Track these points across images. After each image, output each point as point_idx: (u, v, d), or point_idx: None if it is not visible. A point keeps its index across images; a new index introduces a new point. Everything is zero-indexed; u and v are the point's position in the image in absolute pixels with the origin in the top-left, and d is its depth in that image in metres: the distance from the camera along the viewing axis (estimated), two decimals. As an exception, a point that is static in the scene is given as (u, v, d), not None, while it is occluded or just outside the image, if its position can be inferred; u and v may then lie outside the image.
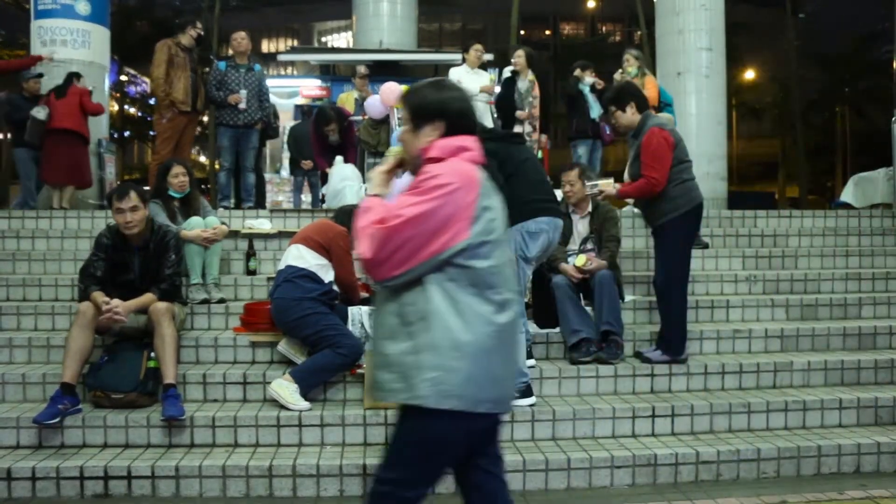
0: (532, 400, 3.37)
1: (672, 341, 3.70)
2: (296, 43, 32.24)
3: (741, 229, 5.64)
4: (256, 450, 3.15)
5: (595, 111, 6.34)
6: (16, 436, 3.15)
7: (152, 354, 3.36)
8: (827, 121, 25.22)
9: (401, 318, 1.68)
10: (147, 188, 4.57)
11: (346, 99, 7.31)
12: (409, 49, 10.70)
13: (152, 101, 10.09)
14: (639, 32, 20.27)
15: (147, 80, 20.57)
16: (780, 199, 23.39)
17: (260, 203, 6.43)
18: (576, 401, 3.49)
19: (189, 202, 4.26)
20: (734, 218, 5.89)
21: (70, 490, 2.92)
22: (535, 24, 32.56)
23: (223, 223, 4.28)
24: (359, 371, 3.44)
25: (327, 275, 3.55)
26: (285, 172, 8.90)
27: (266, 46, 33.18)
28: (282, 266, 3.61)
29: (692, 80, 8.12)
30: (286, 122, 9.42)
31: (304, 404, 3.27)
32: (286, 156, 8.49)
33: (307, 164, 6.75)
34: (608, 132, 6.46)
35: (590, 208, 4.10)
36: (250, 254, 4.56)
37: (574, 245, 4.08)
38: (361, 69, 7.26)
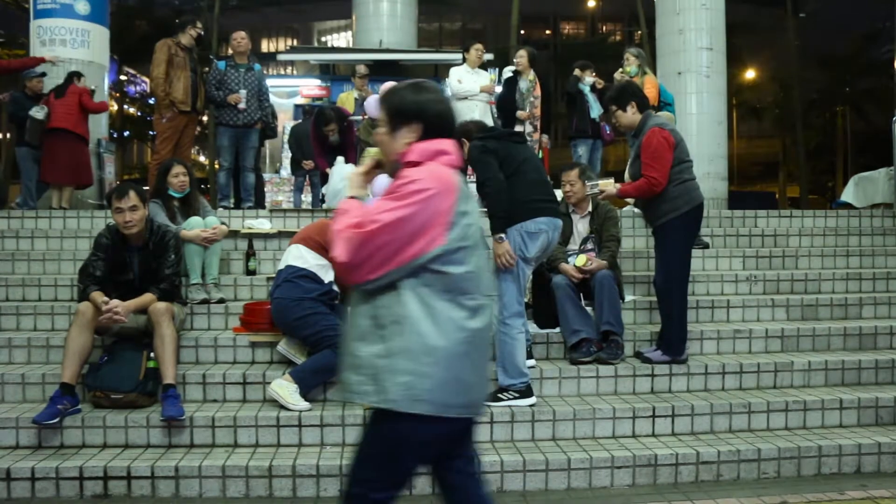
0: (532, 400, 3.36)
1: (672, 341, 3.69)
2: (295, 42, 32.26)
3: (742, 229, 5.64)
4: (256, 450, 3.14)
5: (595, 111, 6.33)
6: (15, 436, 3.15)
7: (152, 355, 3.35)
8: (827, 120, 25.21)
9: (374, 320, 1.69)
10: (146, 188, 4.57)
11: (346, 99, 7.31)
12: (409, 49, 10.70)
13: (152, 101, 10.08)
14: (639, 32, 20.26)
15: (147, 79, 20.61)
16: (780, 199, 23.39)
17: (259, 203, 6.43)
18: (576, 401, 3.49)
19: (189, 202, 4.26)
20: (735, 218, 5.88)
21: (69, 490, 2.92)
22: (535, 24, 32.56)
23: (223, 223, 4.28)
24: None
25: (327, 275, 3.54)
26: (285, 172, 8.90)
27: (266, 46, 33.18)
28: (282, 266, 3.60)
29: (692, 79, 8.11)
30: (286, 121, 9.41)
31: (304, 405, 3.26)
32: (286, 155, 8.49)
33: (308, 164, 6.74)
34: (608, 132, 6.45)
35: (590, 208, 4.09)
36: (250, 254, 4.55)
37: (574, 245, 4.08)
38: (361, 69, 7.25)
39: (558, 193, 3.99)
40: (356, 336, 1.71)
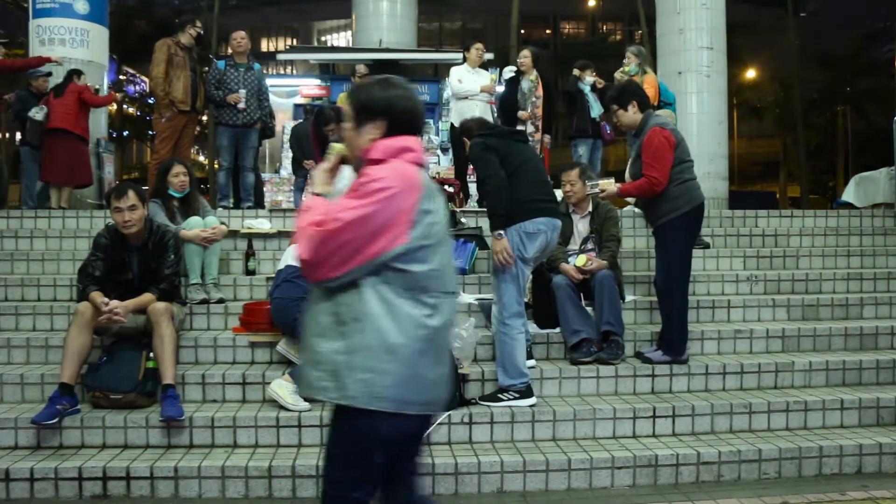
0: (532, 400, 3.36)
1: (673, 341, 3.68)
2: (295, 42, 32.25)
3: (742, 229, 5.63)
4: (256, 450, 3.13)
5: (595, 110, 6.32)
6: (14, 436, 3.14)
7: (151, 355, 3.34)
8: (828, 120, 25.19)
9: (335, 317, 1.69)
10: (146, 188, 4.56)
11: (346, 98, 7.29)
12: (408, 48, 10.69)
13: (151, 101, 10.08)
14: (639, 31, 20.24)
15: (146, 79, 20.57)
16: (781, 199, 23.38)
17: (258, 203, 6.42)
18: (576, 401, 3.48)
19: (188, 202, 4.25)
20: (735, 217, 5.88)
21: (68, 491, 2.91)
22: (535, 24, 32.55)
23: (222, 223, 4.27)
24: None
25: (327, 275, 3.53)
26: (285, 172, 8.89)
27: (265, 45, 33.17)
28: (281, 266, 3.59)
29: (693, 79, 8.11)
30: (285, 121, 9.40)
31: (304, 405, 3.26)
32: (286, 155, 8.48)
33: (309, 163, 6.73)
34: (609, 131, 6.44)
35: (590, 208, 4.08)
36: (249, 254, 4.55)
37: (574, 245, 4.07)
38: (361, 68, 7.25)
39: (558, 193, 3.99)
40: (317, 332, 1.71)
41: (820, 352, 4.05)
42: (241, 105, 5.93)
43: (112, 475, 2.92)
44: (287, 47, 25.88)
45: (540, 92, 6.22)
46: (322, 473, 1.80)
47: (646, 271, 4.70)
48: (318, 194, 1.79)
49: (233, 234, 4.71)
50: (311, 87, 10.75)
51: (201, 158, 25.76)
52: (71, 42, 7.17)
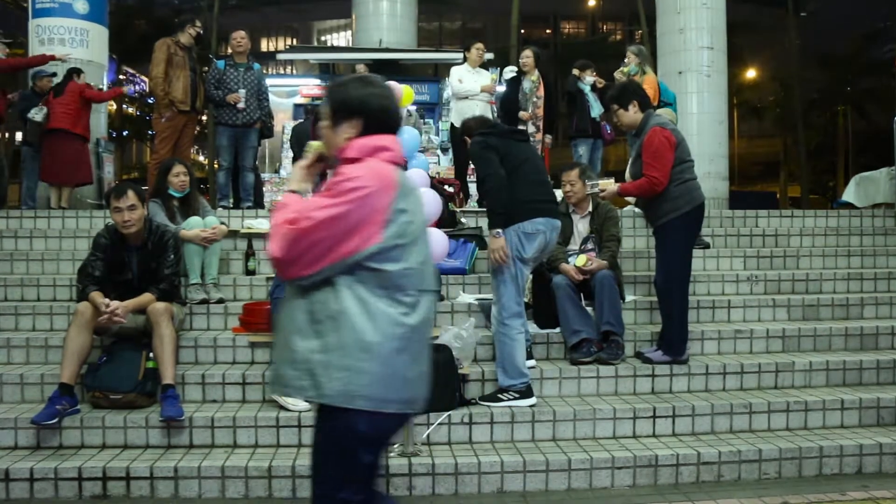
0: (532, 400, 3.35)
1: (673, 341, 3.68)
2: (295, 42, 32.24)
3: (742, 229, 5.63)
4: (256, 450, 3.13)
5: (596, 110, 6.32)
6: (14, 436, 3.14)
7: (151, 355, 3.34)
8: (828, 120, 25.18)
9: (310, 315, 1.69)
10: (146, 188, 4.56)
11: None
12: (408, 48, 10.69)
13: (151, 101, 10.08)
14: (639, 31, 20.24)
15: (146, 79, 20.57)
16: (781, 199, 23.37)
17: (258, 203, 6.42)
18: (576, 401, 3.48)
19: (188, 202, 4.25)
20: (735, 217, 5.88)
21: (68, 491, 2.91)
22: (535, 23, 32.53)
23: (222, 223, 4.27)
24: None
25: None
26: (285, 172, 8.88)
27: (265, 45, 33.16)
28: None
29: (693, 78, 8.11)
30: (285, 121, 9.39)
31: (304, 405, 3.25)
32: (286, 155, 8.47)
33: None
34: (609, 131, 6.44)
35: (590, 208, 4.08)
36: (249, 254, 4.54)
37: (574, 245, 4.07)
38: (361, 68, 7.25)
39: (558, 193, 3.98)
40: (292, 330, 1.71)
41: (820, 352, 4.05)
42: (241, 105, 5.92)
43: (112, 475, 2.92)
44: (287, 47, 25.87)
45: (541, 92, 6.22)
46: (311, 473, 1.80)
47: (646, 271, 4.70)
48: (293, 191, 1.79)
49: (233, 234, 4.71)
50: (310, 86, 10.73)
51: (201, 158, 25.76)
52: (70, 42, 7.17)
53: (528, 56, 6.24)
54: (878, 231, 5.73)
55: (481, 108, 6.20)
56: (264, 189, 7.11)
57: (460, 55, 7.95)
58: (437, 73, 11.69)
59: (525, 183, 3.34)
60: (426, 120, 9.43)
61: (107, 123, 8.30)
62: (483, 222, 4.86)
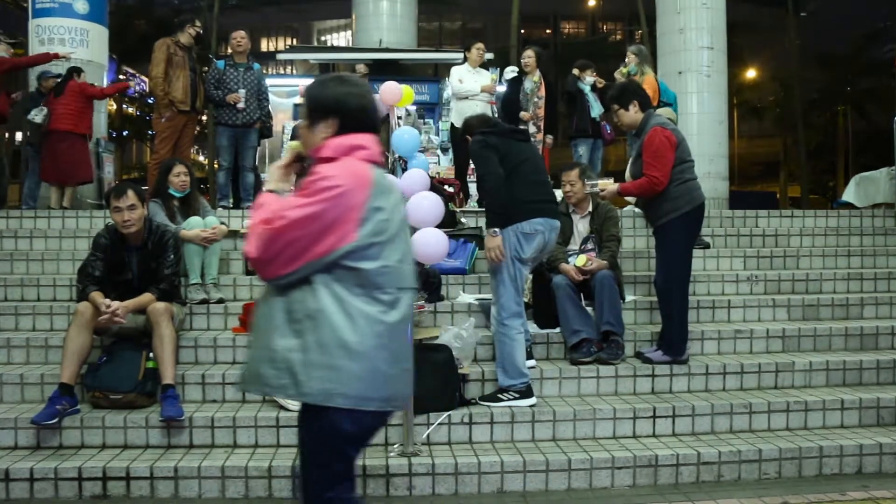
0: (532, 400, 3.35)
1: (673, 341, 3.68)
2: (295, 42, 32.23)
3: (742, 229, 5.63)
4: (256, 450, 3.13)
5: (596, 110, 6.32)
6: (14, 436, 3.14)
7: (151, 355, 3.34)
8: (828, 120, 25.19)
9: (289, 314, 1.69)
10: (146, 188, 4.56)
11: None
12: (408, 48, 10.69)
13: (151, 101, 10.09)
14: (639, 31, 20.24)
15: (146, 78, 20.58)
16: (781, 199, 23.37)
17: (259, 203, 6.41)
18: (576, 401, 3.48)
19: (189, 202, 4.25)
20: (735, 217, 5.88)
21: (68, 491, 2.91)
22: (535, 23, 32.53)
23: (222, 223, 4.27)
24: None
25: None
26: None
27: (265, 45, 33.15)
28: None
29: (693, 78, 8.10)
30: (285, 121, 9.39)
31: (304, 405, 3.25)
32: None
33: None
34: (609, 131, 6.44)
35: (590, 208, 4.08)
36: (250, 253, 4.53)
37: (574, 245, 4.07)
38: (361, 68, 7.25)
39: (558, 193, 3.98)
40: (271, 328, 1.71)
41: (820, 352, 4.05)
42: (241, 105, 5.92)
43: (112, 475, 2.92)
44: (287, 47, 25.87)
45: (542, 92, 6.23)
46: (300, 476, 1.82)
47: (646, 271, 4.70)
48: (271, 191, 1.80)
49: (233, 234, 4.70)
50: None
51: (201, 158, 25.76)
52: (71, 42, 7.16)
53: (529, 56, 6.24)
54: (878, 231, 5.73)
55: (481, 108, 6.20)
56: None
57: (460, 55, 7.95)
58: (437, 73, 11.69)
59: (524, 183, 3.33)
60: (426, 120, 9.43)
61: (107, 123, 8.30)
62: (483, 222, 4.86)
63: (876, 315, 4.48)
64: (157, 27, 18.78)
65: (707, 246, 5.14)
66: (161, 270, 3.49)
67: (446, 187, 5.72)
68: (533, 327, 3.90)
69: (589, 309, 3.87)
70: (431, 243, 3.28)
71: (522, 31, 25.28)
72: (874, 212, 6.44)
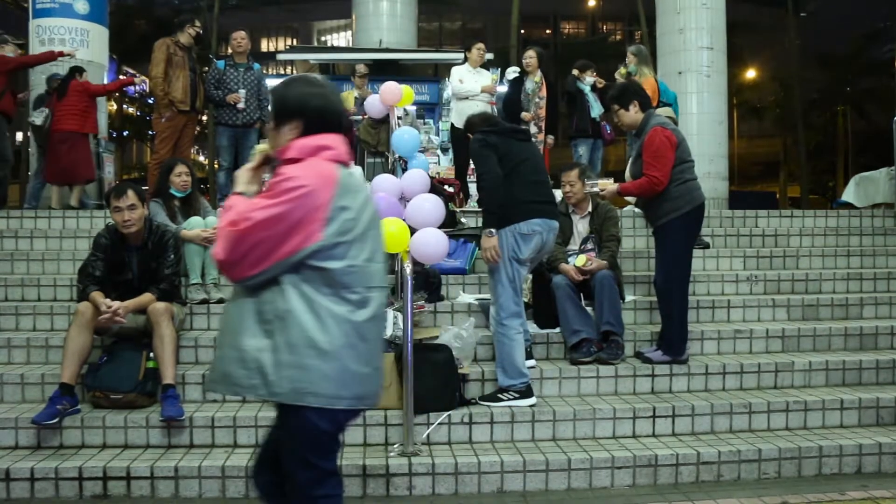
0: (532, 400, 3.36)
1: (673, 341, 3.68)
2: (295, 42, 32.23)
3: (742, 229, 5.63)
4: (256, 450, 3.12)
5: (596, 110, 6.32)
6: (14, 436, 3.14)
7: (151, 355, 3.35)
8: (828, 120, 25.20)
9: (259, 315, 1.71)
10: (146, 188, 4.56)
11: (346, 98, 7.30)
12: (408, 48, 10.69)
13: (151, 101, 10.09)
14: (639, 31, 20.24)
15: (146, 78, 20.57)
16: (781, 199, 23.38)
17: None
18: (576, 401, 3.48)
19: (190, 202, 4.25)
20: (735, 217, 5.88)
21: (69, 491, 2.91)
22: (535, 24, 32.53)
23: (223, 223, 4.26)
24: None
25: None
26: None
27: (265, 45, 33.15)
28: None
29: (693, 79, 8.11)
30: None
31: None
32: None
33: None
34: (609, 131, 6.45)
35: (590, 208, 4.08)
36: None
37: (574, 245, 4.07)
38: (361, 68, 7.24)
39: (557, 194, 3.98)
40: (241, 329, 1.73)
41: (820, 352, 4.05)
42: (241, 105, 5.93)
43: (112, 475, 2.92)
44: (287, 47, 25.87)
45: (544, 93, 6.23)
46: (287, 480, 1.84)
47: (646, 271, 4.70)
48: (240, 193, 1.81)
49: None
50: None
51: (201, 158, 25.76)
52: (71, 42, 7.16)
53: (531, 56, 6.25)
54: (878, 231, 5.73)
55: (482, 108, 6.18)
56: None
57: (460, 55, 7.95)
58: (437, 73, 11.69)
59: (523, 183, 3.33)
60: (426, 120, 9.43)
61: (107, 123, 8.31)
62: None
63: (875, 315, 4.48)
64: (157, 27, 18.78)
65: (707, 246, 5.15)
66: (161, 270, 3.50)
67: (446, 187, 5.73)
68: (533, 327, 3.91)
69: (589, 309, 3.87)
70: (431, 243, 3.29)
71: (522, 31, 25.29)
72: (874, 212, 6.44)
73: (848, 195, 7.58)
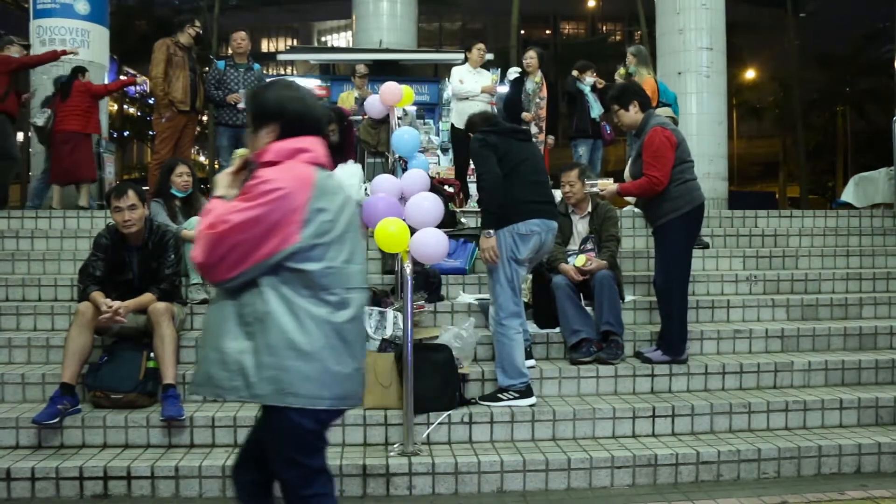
0: (532, 400, 3.36)
1: (672, 341, 3.69)
2: (295, 42, 32.24)
3: (742, 229, 5.64)
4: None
5: (595, 110, 6.33)
6: (15, 436, 3.15)
7: (152, 355, 3.35)
8: (828, 120, 25.21)
9: (240, 317, 1.73)
10: (146, 188, 4.56)
11: (346, 98, 7.31)
12: (409, 49, 10.70)
13: (152, 101, 10.10)
14: (639, 32, 20.25)
15: (146, 79, 20.55)
16: (780, 199, 23.38)
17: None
18: (576, 401, 3.49)
19: (191, 202, 4.26)
20: (735, 218, 5.88)
21: (69, 490, 2.92)
22: (535, 24, 32.54)
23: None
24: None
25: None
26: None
27: (266, 46, 33.16)
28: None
29: (692, 79, 8.12)
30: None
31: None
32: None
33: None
34: (609, 131, 6.45)
35: (589, 208, 4.09)
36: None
37: (574, 245, 4.08)
38: (361, 68, 7.25)
39: (557, 194, 3.99)
40: (222, 332, 1.74)
41: (819, 352, 4.06)
42: (241, 105, 5.93)
43: (113, 475, 2.93)
44: (287, 48, 25.88)
45: (544, 93, 6.24)
46: (278, 482, 1.86)
47: (645, 271, 4.71)
48: (219, 197, 1.82)
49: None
50: (311, 87, 10.75)
51: (202, 158, 25.76)
52: (72, 43, 7.16)
53: (532, 57, 6.25)
54: (877, 231, 5.74)
55: (482, 108, 6.20)
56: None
57: (461, 55, 7.96)
58: (437, 73, 11.71)
59: (522, 183, 3.34)
60: (426, 120, 9.44)
61: (108, 124, 8.31)
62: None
63: (875, 315, 4.49)
64: (157, 27, 18.78)
65: (706, 246, 5.16)
66: (162, 270, 3.50)
67: (446, 187, 5.73)
68: (533, 327, 3.91)
69: (588, 309, 3.88)
70: (431, 243, 3.29)
71: (522, 31, 25.30)
72: (873, 212, 6.45)
73: (847, 195, 7.59)
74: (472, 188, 6.56)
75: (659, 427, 3.37)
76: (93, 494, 2.92)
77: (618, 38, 31.28)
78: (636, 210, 5.19)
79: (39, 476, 2.91)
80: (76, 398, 3.23)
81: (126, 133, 23.77)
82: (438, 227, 3.46)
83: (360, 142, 6.46)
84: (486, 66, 6.82)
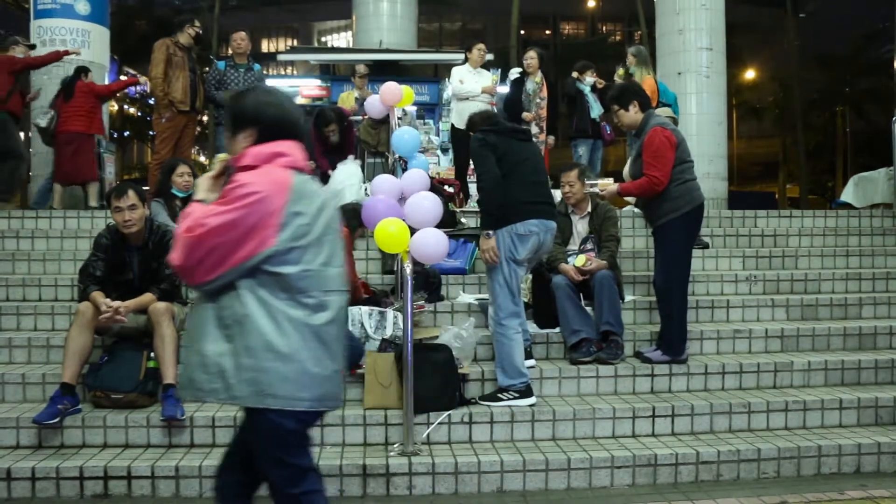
0: (532, 400, 3.36)
1: (672, 341, 3.69)
2: (295, 42, 32.24)
3: (741, 229, 5.64)
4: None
5: (595, 111, 6.34)
6: (15, 436, 3.15)
7: (152, 355, 3.35)
8: (827, 120, 25.21)
9: (220, 320, 1.75)
10: (146, 188, 4.57)
11: (346, 99, 7.31)
12: (409, 49, 10.70)
13: (152, 101, 10.10)
14: (639, 32, 20.26)
15: (147, 79, 20.54)
16: (780, 199, 23.39)
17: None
18: (576, 401, 3.49)
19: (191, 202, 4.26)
20: (734, 218, 5.89)
21: (70, 490, 2.92)
22: (535, 24, 32.55)
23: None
24: (358, 371, 3.43)
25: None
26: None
27: (266, 46, 33.16)
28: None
29: (692, 79, 8.12)
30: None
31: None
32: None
33: (310, 164, 6.73)
34: (609, 132, 6.46)
35: (589, 208, 4.09)
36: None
37: (574, 245, 4.08)
38: (361, 69, 7.25)
39: (557, 194, 3.99)
40: (202, 335, 1.76)
41: (819, 352, 4.06)
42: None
43: (113, 474, 2.93)
44: (287, 48, 25.88)
45: (545, 93, 6.24)
46: (267, 484, 1.87)
47: (645, 271, 4.71)
48: (200, 200, 1.84)
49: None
50: (311, 87, 10.76)
51: (202, 159, 25.76)
52: (72, 43, 7.16)
53: (532, 57, 6.26)
54: (877, 231, 5.74)
55: (482, 109, 6.21)
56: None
57: (461, 56, 7.96)
58: (438, 73, 11.71)
59: (522, 183, 3.34)
60: (426, 120, 9.44)
61: (108, 124, 8.31)
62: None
63: (874, 315, 4.49)
64: (157, 27, 18.78)
65: (706, 246, 5.16)
66: (162, 270, 3.50)
67: (446, 187, 5.74)
68: (533, 327, 3.92)
69: (588, 309, 3.88)
70: (431, 243, 3.30)
71: (522, 31, 25.30)
72: (872, 212, 6.45)
73: (847, 195, 7.59)
74: (473, 188, 6.56)
75: (659, 427, 3.37)
76: (93, 494, 2.92)
77: (618, 38, 31.28)
78: (636, 210, 5.19)
79: (40, 476, 2.92)
80: (76, 398, 3.23)
81: (126, 133, 23.77)
82: (438, 227, 3.47)
83: (360, 142, 6.47)
84: (487, 66, 6.83)
